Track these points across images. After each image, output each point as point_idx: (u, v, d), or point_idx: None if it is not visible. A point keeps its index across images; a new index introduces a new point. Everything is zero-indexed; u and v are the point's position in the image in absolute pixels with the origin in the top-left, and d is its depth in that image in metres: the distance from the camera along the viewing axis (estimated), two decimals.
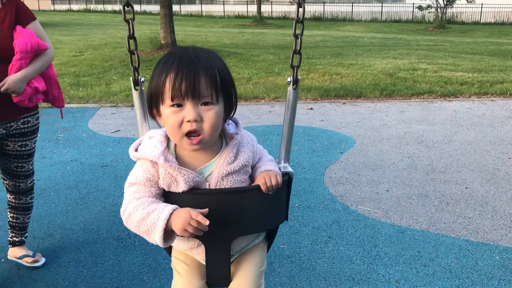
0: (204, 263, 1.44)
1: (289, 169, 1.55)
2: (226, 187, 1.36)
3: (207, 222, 1.21)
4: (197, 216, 1.21)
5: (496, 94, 7.66)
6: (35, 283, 2.65)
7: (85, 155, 4.78)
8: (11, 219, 2.83)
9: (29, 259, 2.80)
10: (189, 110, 1.26)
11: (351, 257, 2.88)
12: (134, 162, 1.42)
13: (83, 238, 3.14)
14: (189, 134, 1.29)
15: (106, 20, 29.25)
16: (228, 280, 1.47)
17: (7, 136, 2.54)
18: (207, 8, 37.10)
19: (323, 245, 3.02)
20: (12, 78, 2.36)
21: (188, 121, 1.27)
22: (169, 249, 1.58)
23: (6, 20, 2.41)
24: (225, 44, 15.66)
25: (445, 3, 28.30)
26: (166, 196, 1.36)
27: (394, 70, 9.65)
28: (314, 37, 19.07)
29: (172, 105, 1.28)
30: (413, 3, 30.95)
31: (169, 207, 1.27)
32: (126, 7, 1.47)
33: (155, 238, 1.26)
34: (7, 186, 2.75)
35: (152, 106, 1.34)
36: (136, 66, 1.51)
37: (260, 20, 30.15)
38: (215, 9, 36.87)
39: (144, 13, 38.29)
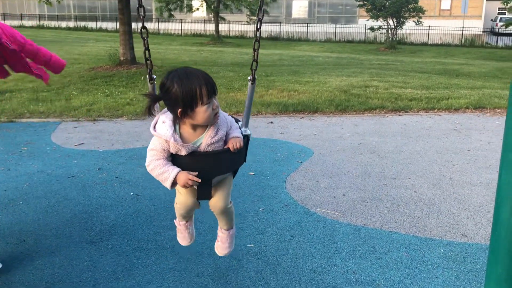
0: (196, 188, 2.22)
1: (248, 132, 2.27)
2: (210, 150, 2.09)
3: (199, 181, 2.05)
4: (193, 178, 2.04)
5: (442, 109, 8.21)
6: (12, 284, 2.75)
7: (51, 166, 4.85)
8: None
9: None
10: (215, 103, 2.00)
11: (313, 253, 3.13)
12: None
13: (57, 243, 3.24)
14: (215, 114, 2.04)
15: (60, 36, 28.88)
16: (210, 198, 2.27)
17: None
18: (164, 26, 37.21)
19: (286, 243, 3.26)
20: None
21: (215, 107, 2.01)
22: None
23: None
24: (184, 61, 15.86)
25: (395, 25, 29.69)
26: (174, 157, 2.08)
27: (348, 87, 10.13)
28: (271, 56, 19.57)
29: (207, 104, 1.96)
30: (365, 25, 32.26)
31: (176, 170, 2.05)
32: (142, 29, 2.19)
33: (166, 186, 2.06)
34: None
35: (186, 106, 1.95)
36: (150, 68, 2.19)
37: (217, 38, 30.58)
38: (172, 27, 37.02)
39: (100, 30, 37.98)
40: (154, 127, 2.06)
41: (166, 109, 2.06)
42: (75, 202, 3.95)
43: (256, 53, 2.21)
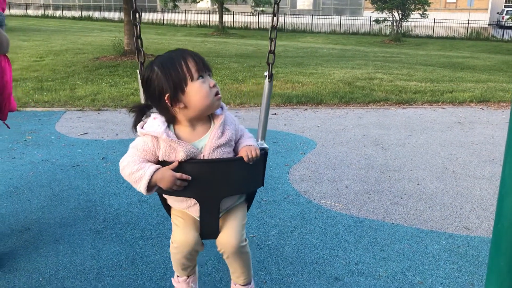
0: (198, 219, 1.73)
1: (265, 145, 1.84)
2: (217, 157, 1.65)
3: (189, 178, 1.56)
4: (181, 176, 1.57)
5: (446, 102, 8.19)
6: (17, 271, 2.78)
7: (55, 155, 4.87)
8: None
9: None
10: (210, 79, 1.63)
11: (315, 244, 3.15)
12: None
13: (61, 232, 3.27)
14: (216, 94, 1.64)
15: (65, 26, 28.84)
16: (217, 234, 1.75)
17: None
18: (169, 17, 37.09)
19: (289, 234, 3.27)
20: None
21: (214, 86, 1.62)
22: (168, 209, 1.90)
23: None
24: None
25: (400, 17, 29.51)
26: (164, 165, 1.63)
27: (352, 79, 10.11)
28: (276, 47, 19.45)
29: (198, 78, 1.59)
30: (370, 17, 32.08)
31: (153, 166, 1.61)
32: (134, 14, 1.85)
33: (141, 188, 1.62)
34: None
35: (175, 88, 1.59)
36: (142, 61, 1.87)
37: (222, 29, 30.48)
38: (177, 17, 36.91)
39: (105, 19, 37.92)
40: (142, 127, 1.68)
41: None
42: (79, 191, 3.98)
43: (273, 42, 1.87)
